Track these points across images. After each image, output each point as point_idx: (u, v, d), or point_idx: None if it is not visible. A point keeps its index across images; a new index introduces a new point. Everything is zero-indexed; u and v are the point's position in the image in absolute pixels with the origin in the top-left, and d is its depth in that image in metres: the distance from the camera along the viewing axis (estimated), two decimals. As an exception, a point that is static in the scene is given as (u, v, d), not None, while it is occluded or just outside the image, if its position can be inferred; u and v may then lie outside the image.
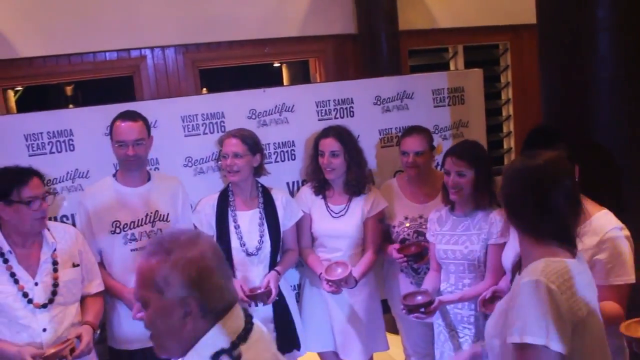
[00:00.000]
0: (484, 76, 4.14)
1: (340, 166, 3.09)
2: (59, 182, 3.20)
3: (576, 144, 2.38)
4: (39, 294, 2.48)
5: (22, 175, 2.48)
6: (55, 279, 2.53)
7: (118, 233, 2.88)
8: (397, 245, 2.99)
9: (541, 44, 2.83)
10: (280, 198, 3.11)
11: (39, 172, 2.57)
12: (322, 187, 3.19)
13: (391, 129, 3.60)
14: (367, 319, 3.13)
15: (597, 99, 2.61)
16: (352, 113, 3.57)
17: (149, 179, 3.00)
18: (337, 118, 3.52)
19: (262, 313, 2.97)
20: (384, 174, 3.52)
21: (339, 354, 3.16)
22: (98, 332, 2.74)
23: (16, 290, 2.45)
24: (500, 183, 1.86)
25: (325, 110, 3.53)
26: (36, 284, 2.49)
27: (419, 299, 2.66)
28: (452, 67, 5.37)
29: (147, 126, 2.97)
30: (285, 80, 6.44)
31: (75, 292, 2.61)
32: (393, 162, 3.49)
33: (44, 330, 2.47)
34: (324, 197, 3.18)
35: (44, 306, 2.48)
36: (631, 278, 2.16)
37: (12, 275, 2.46)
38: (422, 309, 2.62)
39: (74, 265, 2.61)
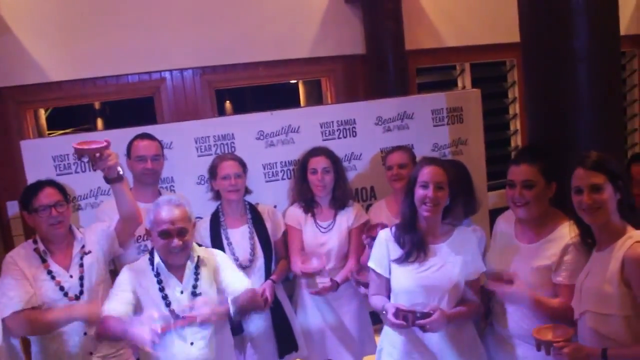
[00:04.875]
0: (492, 92, 4.27)
1: (330, 182, 3.32)
2: (83, 199, 3.50)
3: (554, 164, 2.58)
4: (74, 286, 2.81)
5: (36, 186, 2.85)
6: (82, 272, 2.85)
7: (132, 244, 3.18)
8: None
9: (524, 71, 3.03)
10: (266, 212, 3.35)
11: (56, 182, 2.92)
12: (310, 206, 3.38)
13: (392, 148, 3.80)
14: (358, 328, 3.35)
15: (575, 125, 2.78)
16: (354, 133, 3.79)
17: (157, 197, 3.28)
18: (340, 138, 3.75)
19: (262, 320, 3.20)
20: (385, 192, 3.66)
21: None
22: None
23: (54, 285, 2.78)
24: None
25: (329, 130, 3.75)
26: (71, 276, 2.83)
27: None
28: (459, 84, 5.55)
29: (162, 147, 3.31)
30: (302, 96, 6.69)
31: (96, 275, 2.89)
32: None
33: None
34: (313, 215, 3.37)
35: (77, 298, 2.80)
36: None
37: (49, 272, 2.80)
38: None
39: (87, 253, 2.91)
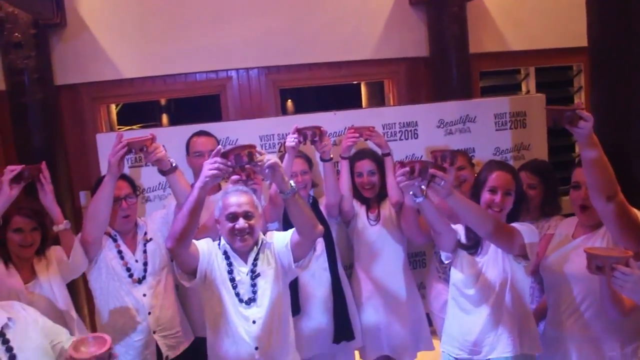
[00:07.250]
0: (557, 97, 4.19)
1: (377, 183, 3.42)
2: (152, 190, 3.66)
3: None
4: (139, 270, 3.02)
5: None
6: (145, 258, 3.07)
7: None
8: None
9: (592, 76, 3.00)
10: (324, 202, 3.44)
11: (127, 175, 3.14)
12: (361, 202, 3.50)
13: (454, 151, 3.81)
14: (414, 325, 3.42)
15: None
16: (416, 135, 3.83)
17: (219, 189, 3.38)
18: (402, 140, 3.80)
19: (322, 303, 3.31)
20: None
21: (391, 356, 3.43)
22: None
23: (121, 264, 3.00)
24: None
25: (391, 132, 3.80)
26: (136, 261, 3.04)
27: None
28: (523, 88, 5.48)
29: (218, 143, 3.45)
30: (364, 96, 6.74)
31: (159, 261, 3.09)
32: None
33: (144, 295, 3.01)
34: (366, 209, 3.49)
35: (139, 281, 3.01)
36: None
37: (119, 252, 3.02)
38: None
39: (149, 240, 3.11)
